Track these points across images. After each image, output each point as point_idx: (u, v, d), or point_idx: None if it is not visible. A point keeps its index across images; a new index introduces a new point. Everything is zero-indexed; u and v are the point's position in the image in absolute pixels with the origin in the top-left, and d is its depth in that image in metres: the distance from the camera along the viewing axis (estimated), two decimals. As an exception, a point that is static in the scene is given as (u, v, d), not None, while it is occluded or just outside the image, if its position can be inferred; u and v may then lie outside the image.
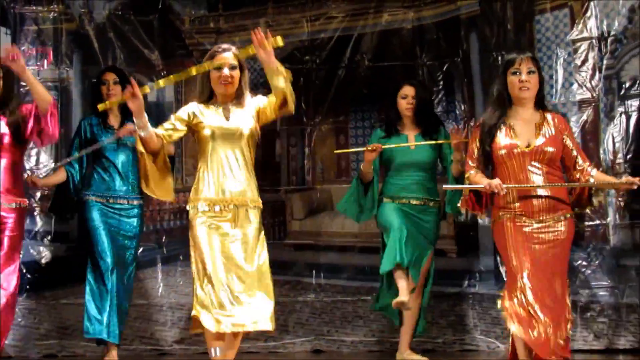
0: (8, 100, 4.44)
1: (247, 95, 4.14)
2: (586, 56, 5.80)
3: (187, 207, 4.08)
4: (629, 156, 5.64)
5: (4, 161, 4.41)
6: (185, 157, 6.54)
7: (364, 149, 4.95)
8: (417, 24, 6.42)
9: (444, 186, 4.52)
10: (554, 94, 5.84)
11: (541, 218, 4.04)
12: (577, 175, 4.12)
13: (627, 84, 5.73)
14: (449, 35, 6.36)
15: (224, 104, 4.11)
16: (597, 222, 5.70)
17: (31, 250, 6.14)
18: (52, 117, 4.35)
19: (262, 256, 4.07)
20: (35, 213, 6.20)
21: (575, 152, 4.15)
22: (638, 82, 5.67)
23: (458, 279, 6.13)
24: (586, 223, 5.70)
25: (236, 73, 4.07)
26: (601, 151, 5.70)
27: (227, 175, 4.02)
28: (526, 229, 4.04)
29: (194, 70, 4.01)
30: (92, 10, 6.43)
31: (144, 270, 6.18)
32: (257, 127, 4.11)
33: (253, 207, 4.08)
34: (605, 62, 5.76)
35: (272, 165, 6.76)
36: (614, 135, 5.70)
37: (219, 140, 4.03)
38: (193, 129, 4.08)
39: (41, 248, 6.21)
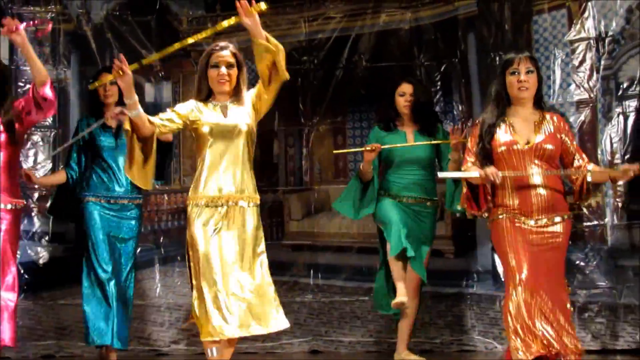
0: (3, 100, 4.42)
1: (245, 92, 4.14)
2: (584, 57, 5.80)
3: (187, 204, 4.07)
4: (626, 157, 5.64)
5: None
6: (182, 157, 6.54)
7: (363, 149, 4.95)
8: (415, 25, 6.43)
9: (438, 173, 4.50)
10: (552, 94, 5.84)
11: (539, 217, 4.05)
12: (580, 179, 4.12)
13: (625, 85, 5.73)
14: (446, 35, 6.36)
15: (222, 101, 4.11)
16: (595, 222, 5.72)
17: (29, 251, 6.14)
18: (50, 87, 4.33)
19: (261, 255, 4.07)
20: (33, 214, 6.20)
21: (573, 150, 4.16)
22: (636, 82, 5.67)
23: (456, 280, 6.13)
24: (584, 224, 5.71)
25: (233, 71, 4.07)
26: (599, 152, 5.71)
27: (226, 173, 4.02)
28: (525, 228, 4.05)
29: (177, 45, 4.01)
30: (89, 11, 6.43)
31: (141, 271, 6.16)
32: (254, 124, 4.10)
33: (251, 204, 4.08)
34: (602, 62, 5.77)
35: (269, 166, 6.76)
36: (611, 136, 5.70)
37: (217, 138, 4.03)
38: (191, 126, 4.07)
39: (39, 249, 6.21)
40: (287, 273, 6.48)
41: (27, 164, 6.09)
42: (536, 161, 4.07)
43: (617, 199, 5.65)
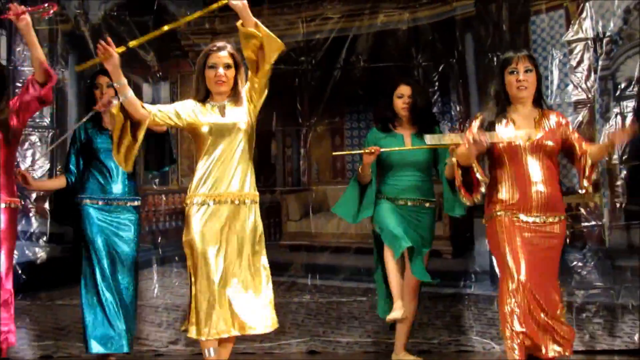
0: None
1: (243, 92, 4.14)
2: (581, 57, 5.80)
3: (186, 203, 4.07)
4: (624, 157, 5.64)
5: None
6: (180, 158, 6.54)
7: (362, 151, 4.94)
8: (413, 25, 6.43)
9: (425, 135, 4.47)
10: (549, 95, 5.84)
11: (538, 214, 4.06)
12: (583, 162, 4.13)
13: (623, 85, 5.73)
14: (444, 36, 6.36)
15: (220, 101, 4.11)
16: (593, 223, 5.71)
17: (27, 251, 6.12)
18: (48, 69, 4.37)
19: (260, 253, 4.08)
20: (31, 214, 6.18)
21: (575, 142, 4.18)
22: (633, 83, 5.67)
23: (453, 280, 6.12)
24: (582, 224, 5.71)
25: (230, 72, 4.08)
26: (597, 152, 5.70)
27: (225, 171, 4.02)
28: (523, 226, 4.05)
29: (165, 27, 4.05)
30: (87, 11, 6.42)
31: (139, 271, 6.14)
32: (254, 120, 4.11)
33: (250, 202, 4.08)
34: (600, 63, 5.77)
35: (267, 166, 6.76)
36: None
37: (216, 137, 4.03)
38: (188, 127, 4.07)
39: (37, 249, 6.19)
40: (284, 273, 6.47)
41: (24, 165, 6.08)
42: (536, 157, 4.08)
43: (615, 200, 5.65)
